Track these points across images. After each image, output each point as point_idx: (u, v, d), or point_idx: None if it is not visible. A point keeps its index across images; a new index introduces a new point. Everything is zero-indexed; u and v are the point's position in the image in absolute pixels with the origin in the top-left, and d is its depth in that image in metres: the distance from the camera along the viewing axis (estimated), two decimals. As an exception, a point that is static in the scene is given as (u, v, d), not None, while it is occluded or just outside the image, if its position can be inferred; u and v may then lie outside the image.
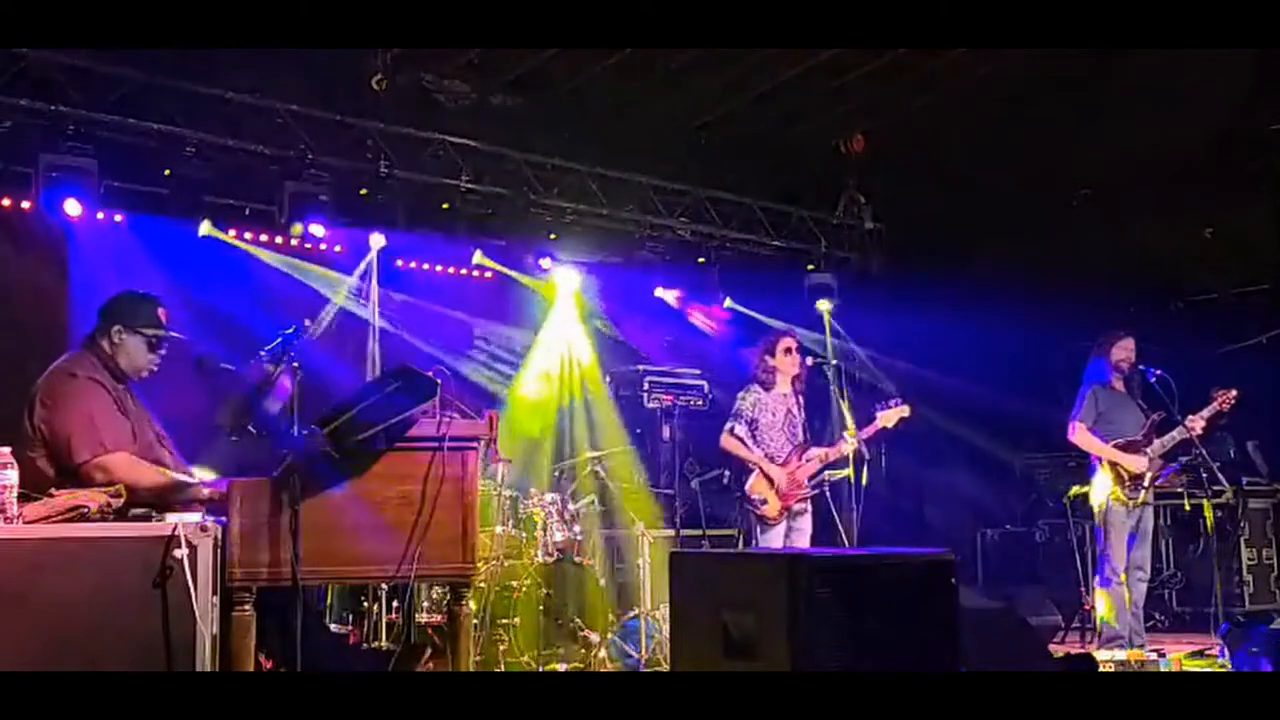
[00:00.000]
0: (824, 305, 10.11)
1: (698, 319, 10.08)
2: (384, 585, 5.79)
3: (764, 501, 6.61)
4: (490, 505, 6.43)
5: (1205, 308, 8.71)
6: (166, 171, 7.62)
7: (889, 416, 6.69)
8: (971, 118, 8.99)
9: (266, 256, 8.15)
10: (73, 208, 7.07)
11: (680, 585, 4.27)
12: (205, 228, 7.67)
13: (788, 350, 6.80)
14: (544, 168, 8.91)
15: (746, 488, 6.69)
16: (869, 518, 6.67)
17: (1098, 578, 7.02)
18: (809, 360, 6.93)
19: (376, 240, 8.22)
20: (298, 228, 7.74)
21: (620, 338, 9.77)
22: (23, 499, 3.96)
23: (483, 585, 6.08)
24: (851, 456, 6.73)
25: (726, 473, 7.50)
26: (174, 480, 4.37)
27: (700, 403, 9.23)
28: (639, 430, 9.16)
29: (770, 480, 6.63)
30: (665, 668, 6.18)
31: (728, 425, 6.83)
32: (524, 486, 6.94)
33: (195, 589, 3.71)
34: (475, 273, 9.31)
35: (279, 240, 8.26)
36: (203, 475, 4.50)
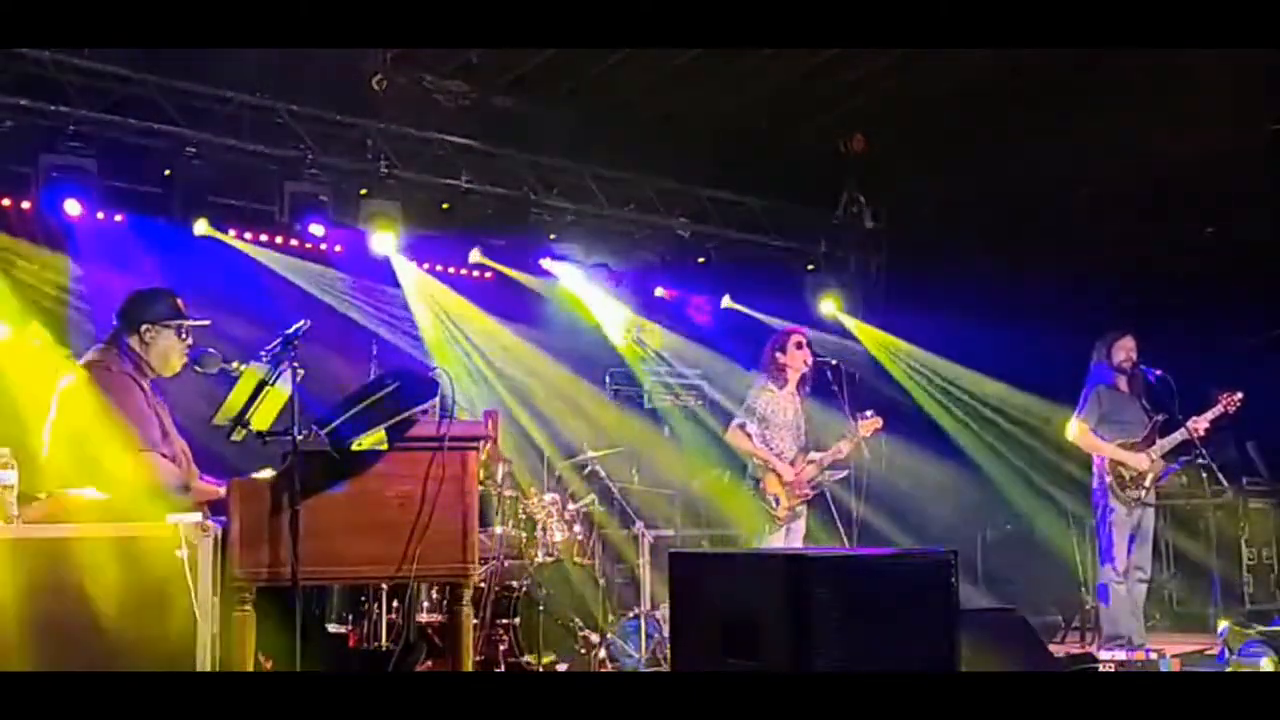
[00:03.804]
0: (830, 306, 10.14)
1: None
2: (384, 585, 5.78)
3: (778, 502, 6.58)
4: (490, 505, 6.43)
5: (1205, 308, 8.69)
6: (166, 171, 7.62)
7: (866, 427, 6.70)
8: (971, 117, 8.99)
9: (266, 256, 8.15)
10: (73, 208, 7.08)
11: (680, 585, 4.27)
12: (202, 226, 7.67)
13: (798, 345, 6.76)
14: (544, 168, 8.91)
15: (761, 487, 6.64)
16: (869, 518, 6.67)
17: (1097, 578, 7.03)
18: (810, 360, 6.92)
19: (382, 241, 8.21)
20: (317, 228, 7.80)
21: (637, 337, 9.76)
22: (23, 499, 3.96)
23: (483, 585, 6.08)
24: (850, 457, 6.72)
25: (726, 473, 7.49)
26: (196, 487, 4.41)
27: (700, 403, 9.23)
28: (639, 430, 9.15)
29: (781, 479, 6.60)
30: (665, 668, 6.18)
31: (738, 420, 6.77)
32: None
33: (195, 589, 3.71)
34: (475, 273, 9.31)
35: (279, 240, 8.27)
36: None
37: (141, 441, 4.32)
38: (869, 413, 6.76)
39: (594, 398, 9.22)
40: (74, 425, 4.30)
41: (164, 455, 4.42)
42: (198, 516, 3.91)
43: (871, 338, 10.28)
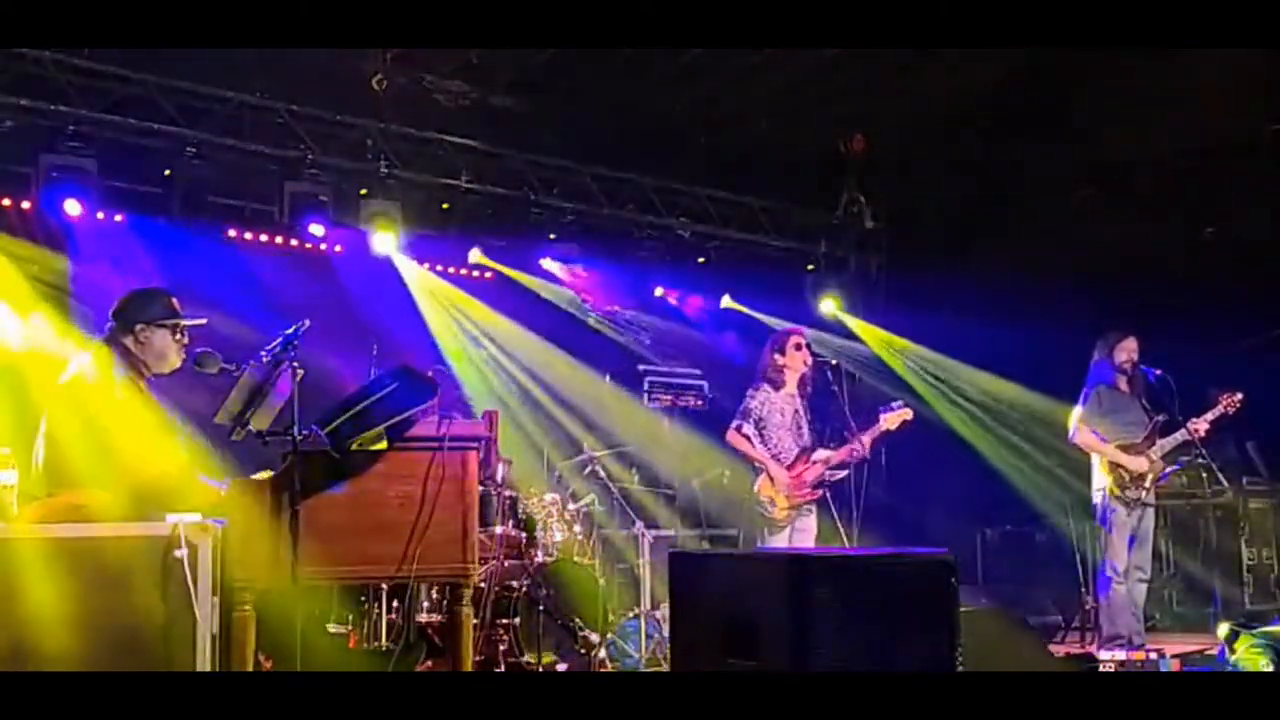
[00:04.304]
0: (831, 306, 10.15)
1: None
2: (384, 585, 5.79)
3: (772, 503, 6.57)
4: (490, 505, 6.43)
5: (1205, 308, 8.69)
6: (166, 171, 7.63)
7: (892, 419, 6.66)
8: (971, 117, 8.99)
9: (266, 257, 8.15)
10: (73, 208, 7.09)
11: (680, 585, 4.27)
12: (201, 226, 7.67)
13: (797, 346, 6.74)
14: (544, 168, 8.92)
15: (754, 489, 6.64)
16: (869, 518, 6.65)
17: (1097, 578, 7.02)
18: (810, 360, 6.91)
19: (382, 241, 8.22)
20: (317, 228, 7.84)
21: (621, 338, 9.77)
22: (23, 499, 3.96)
23: (483, 585, 6.08)
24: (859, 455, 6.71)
25: (726, 473, 7.48)
26: (196, 484, 4.39)
27: (700, 403, 9.23)
28: (639, 430, 9.15)
29: (774, 481, 6.60)
30: (665, 668, 6.17)
31: (735, 422, 6.76)
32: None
33: (195, 589, 3.71)
34: (475, 273, 9.31)
35: (279, 240, 8.27)
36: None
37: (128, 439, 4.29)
38: (898, 403, 6.74)
39: (594, 397, 9.22)
40: (79, 423, 4.27)
41: None
42: (198, 516, 3.91)
43: (873, 336, 10.29)
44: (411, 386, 4.14)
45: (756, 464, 6.65)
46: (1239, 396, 6.83)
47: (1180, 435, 6.80)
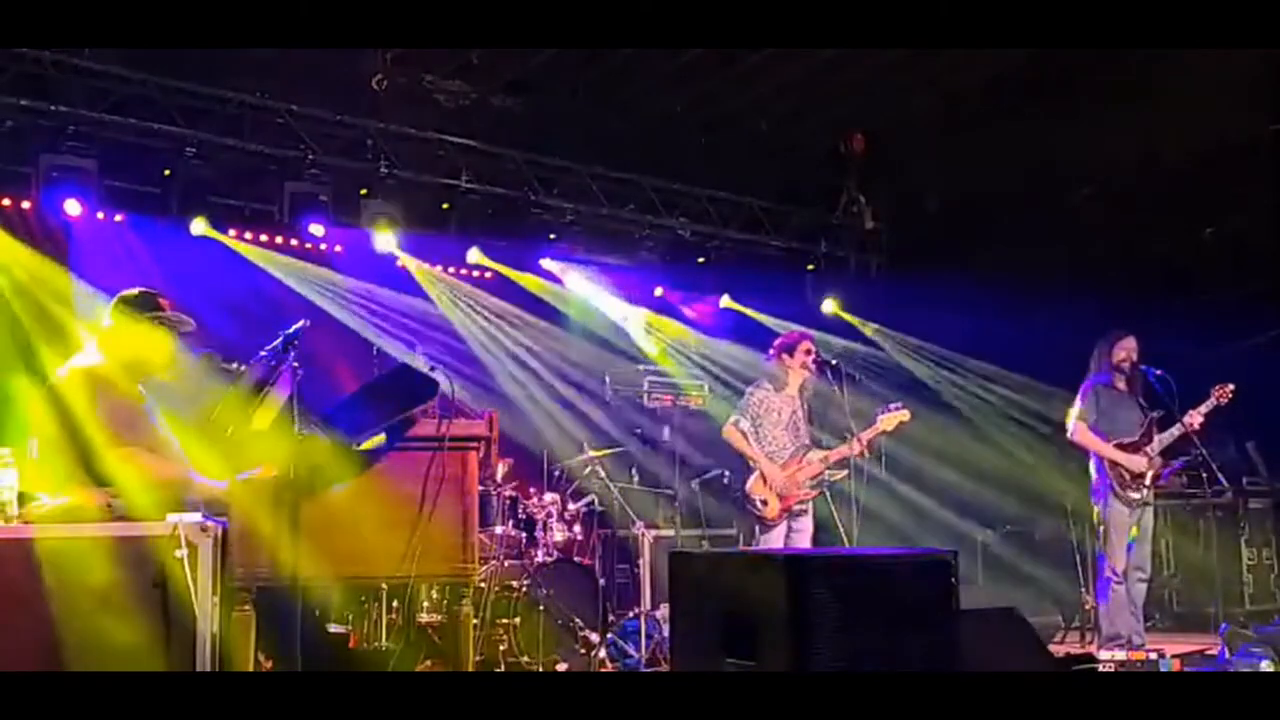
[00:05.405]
0: (830, 306, 10.15)
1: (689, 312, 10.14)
2: (384, 585, 5.79)
3: (764, 502, 6.59)
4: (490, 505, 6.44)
5: (1205, 308, 8.68)
6: (166, 171, 7.63)
7: (889, 420, 6.68)
8: (971, 118, 8.99)
9: (265, 258, 8.15)
10: (73, 208, 7.10)
11: (680, 585, 4.27)
12: (199, 226, 7.67)
13: (807, 352, 6.79)
14: (544, 168, 8.92)
15: (747, 488, 6.67)
16: (869, 518, 6.65)
17: (1097, 578, 7.02)
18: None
19: (382, 240, 8.23)
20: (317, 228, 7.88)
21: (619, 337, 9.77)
22: (23, 499, 3.96)
23: (483, 585, 6.09)
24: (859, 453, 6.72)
25: (727, 472, 7.48)
26: (190, 478, 4.37)
27: (700, 402, 9.23)
28: (639, 430, 9.15)
29: (765, 480, 6.61)
30: (665, 668, 6.18)
31: (733, 418, 6.81)
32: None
33: (195, 589, 3.71)
34: (475, 272, 9.31)
35: (279, 240, 8.27)
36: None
37: (118, 438, 4.29)
38: (895, 405, 6.75)
39: (593, 397, 9.22)
40: (62, 424, 4.27)
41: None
42: (198, 516, 3.91)
43: (878, 333, 10.30)
44: (411, 387, 4.13)
45: (751, 461, 6.68)
46: (1230, 387, 6.81)
47: (1176, 430, 6.80)
